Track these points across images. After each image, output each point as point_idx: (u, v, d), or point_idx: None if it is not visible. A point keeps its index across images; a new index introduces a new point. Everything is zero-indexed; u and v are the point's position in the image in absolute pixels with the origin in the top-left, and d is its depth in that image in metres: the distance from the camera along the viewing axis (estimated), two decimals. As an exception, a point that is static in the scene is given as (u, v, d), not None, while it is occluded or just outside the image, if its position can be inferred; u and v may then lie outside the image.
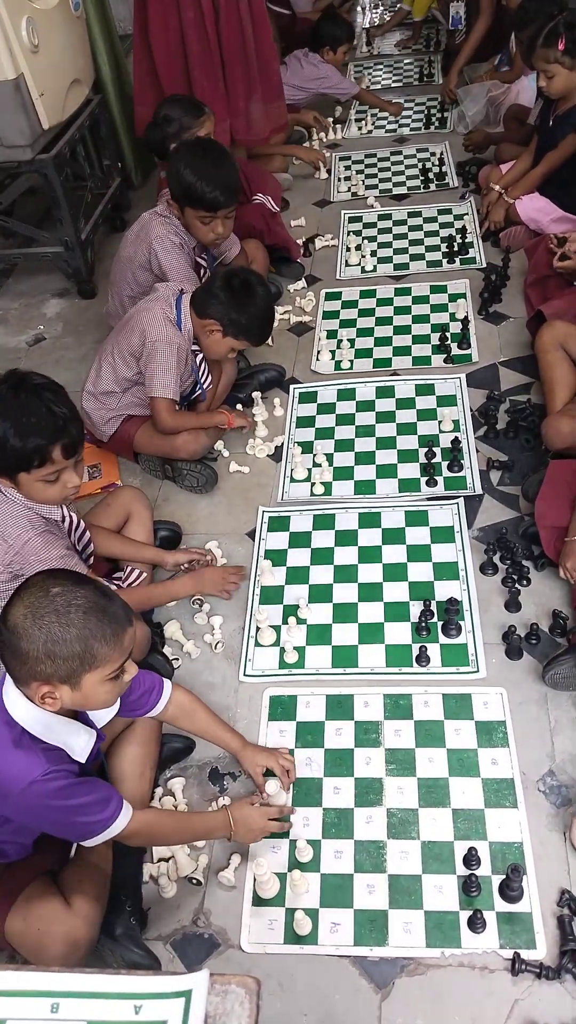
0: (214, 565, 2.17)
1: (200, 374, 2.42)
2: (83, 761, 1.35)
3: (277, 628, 2.07)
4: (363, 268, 3.38)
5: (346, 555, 2.22)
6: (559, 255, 2.62)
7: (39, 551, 1.71)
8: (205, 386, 2.46)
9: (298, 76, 4.34)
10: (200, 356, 2.39)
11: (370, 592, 2.12)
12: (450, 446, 2.43)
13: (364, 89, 4.71)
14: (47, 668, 1.23)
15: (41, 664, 1.23)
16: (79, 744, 1.35)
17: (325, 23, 4.40)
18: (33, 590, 1.26)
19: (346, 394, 2.76)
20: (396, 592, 2.11)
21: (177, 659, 2.05)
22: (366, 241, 3.51)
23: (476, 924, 1.49)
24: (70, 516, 1.84)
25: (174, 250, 2.56)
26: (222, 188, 2.45)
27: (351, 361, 2.90)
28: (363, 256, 3.41)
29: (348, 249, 3.46)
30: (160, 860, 1.66)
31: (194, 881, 1.63)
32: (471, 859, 1.56)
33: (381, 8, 6.40)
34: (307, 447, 2.58)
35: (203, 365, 2.42)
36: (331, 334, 3.04)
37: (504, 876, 1.53)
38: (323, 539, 2.28)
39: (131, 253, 2.65)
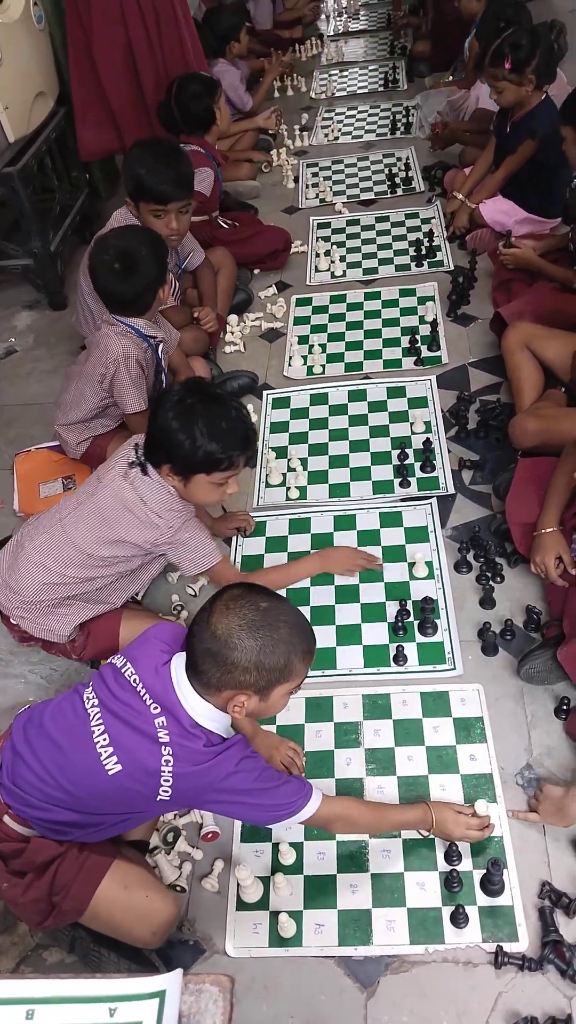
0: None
1: (164, 366, 2.40)
2: None
3: (255, 633, 2.07)
4: (333, 273, 3.41)
5: (322, 558, 2.24)
6: (502, 246, 2.72)
7: (190, 529, 1.82)
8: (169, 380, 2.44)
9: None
10: (161, 349, 2.35)
11: (347, 594, 2.14)
12: (422, 447, 2.45)
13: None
14: (250, 678, 1.27)
15: (247, 674, 1.27)
16: None
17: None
18: (241, 602, 1.29)
19: (319, 398, 2.78)
20: (372, 593, 2.12)
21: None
22: (335, 246, 3.54)
23: (459, 919, 1.50)
24: None
25: None
26: (172, 180, 2.43)
27: (323, 366, 2.92)
28: (332, 261, 3.44)
29: (317, 255, 3.48)
30: (143, 869, 1.66)
31: (178, 888, 1.63)
32: (452, 855, 1.58)
33: (345, 16, 6.47)
34: (281, 452, 2.59)
35: (164, 358, 2.39)
36: (302, 339, 3.06)
37: (485, 870, 1.54)
38: (299, 543, 2.29)
39: None
